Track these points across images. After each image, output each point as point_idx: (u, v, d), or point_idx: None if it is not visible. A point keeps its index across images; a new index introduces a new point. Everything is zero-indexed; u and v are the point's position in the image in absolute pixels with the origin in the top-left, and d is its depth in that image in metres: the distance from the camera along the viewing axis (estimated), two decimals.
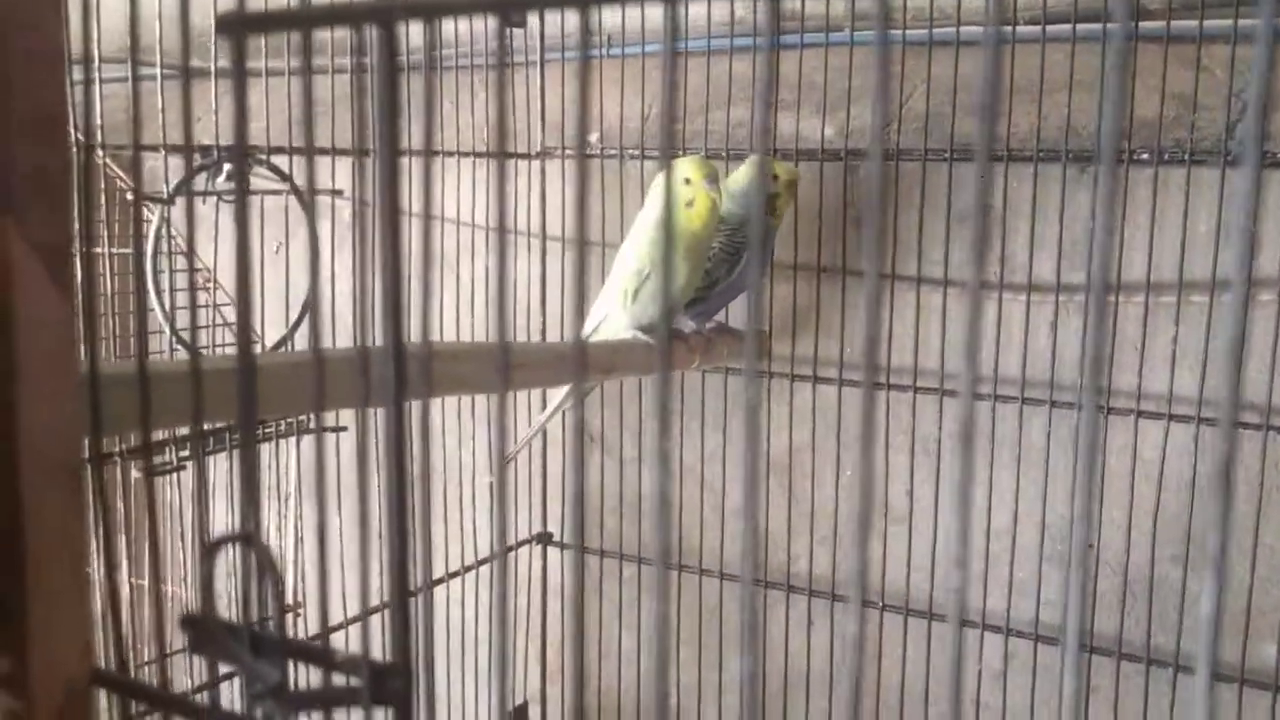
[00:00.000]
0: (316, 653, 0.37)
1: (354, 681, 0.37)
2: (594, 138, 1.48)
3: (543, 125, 1.48)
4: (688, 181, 1.12)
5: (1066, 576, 1.25)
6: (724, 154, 1.36)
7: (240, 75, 0.40)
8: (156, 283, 1.03)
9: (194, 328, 1.19)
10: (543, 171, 1.48)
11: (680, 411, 1.44)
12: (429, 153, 0.39)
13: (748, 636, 0.36)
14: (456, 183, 1.47)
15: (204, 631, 0.39)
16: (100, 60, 0.54)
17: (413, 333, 0.44)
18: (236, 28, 0.39)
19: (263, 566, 0.38)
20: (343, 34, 0.39)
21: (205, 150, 1.06)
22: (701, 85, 1.38)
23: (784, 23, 1.35)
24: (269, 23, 0.40)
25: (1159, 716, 1.21)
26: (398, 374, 0.41)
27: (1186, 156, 1.14)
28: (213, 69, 1.16)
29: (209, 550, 0.39)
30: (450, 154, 1.38)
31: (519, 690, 1.55)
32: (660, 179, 1.17)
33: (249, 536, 0.39)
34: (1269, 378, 1.12)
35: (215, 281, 1.31)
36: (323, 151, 1.17)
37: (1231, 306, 0.30)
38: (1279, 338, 1.11)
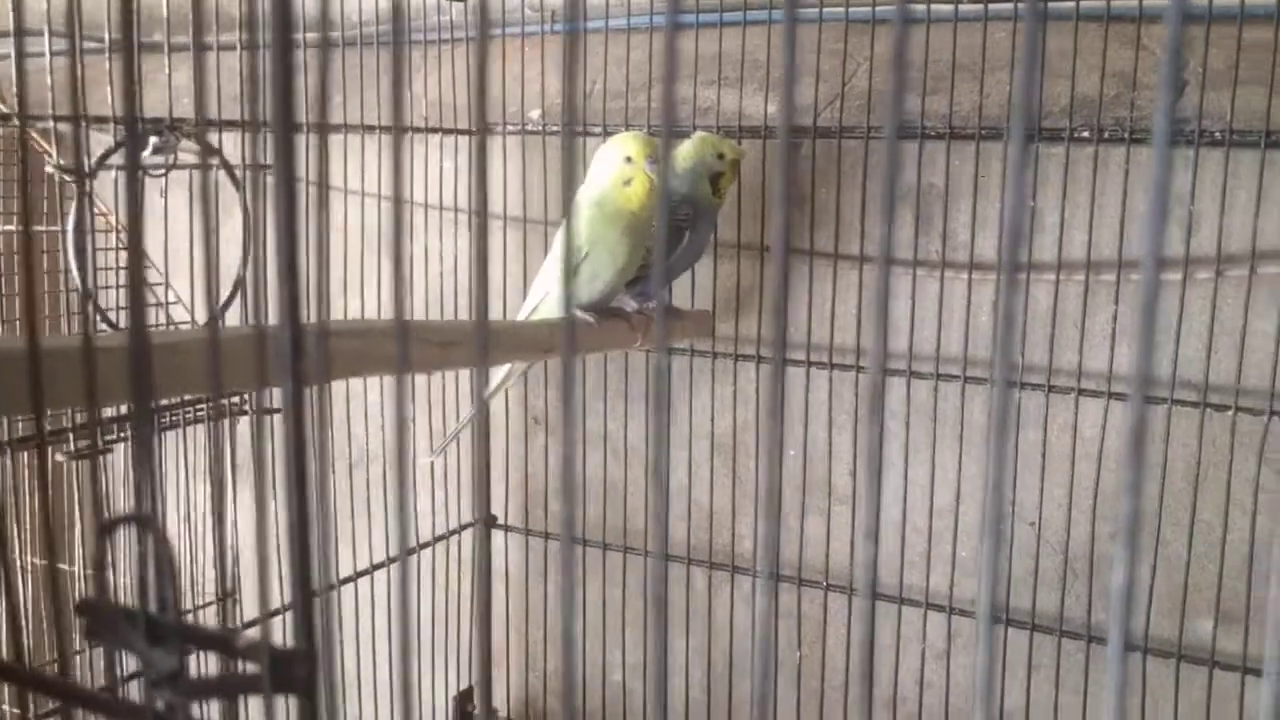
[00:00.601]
0: (216, 639, 0.36)
1: (255, 668, 0.35)
2: (535, 114, 1.46)
3: (483, 101, 1.45)
4: (629, 160, 1.10)
5: (1009, 555, 1.26)
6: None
7: (130, 46, 0.38)
8: (79, 260, 0.99)
9: (119, 307, 1.16)
10: (482, 147, 1.46)
11: (624, 393, 1.43)
12: (394, 130, 0.38)
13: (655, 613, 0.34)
14: (377, 159, 1.44)
15: (99, 618, 0.37)
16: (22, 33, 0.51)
17: (313, 311, 0.42)
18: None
19: (160, 551, 0.36)
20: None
21: (127, 123, 1.02)
22: (644, 61, 1.36)
23: None
24: None
25: (1099, 693, 1.22)
26: (294, 351, 0.40)
27: (1126, 135, 1.14)
28: (134, 43, 1.13)
29: (103, 531, 0.37)
30: (371, 129, 1.35)
31: (463, 675, 1.53)
32: (599, 153, 1.15)
33: (144, 518, 0.37)
34: (1205, 356, 1.12)
35: (145, 258, 1.27)
36: (235, 125, 1.14)
37: (1143, 281, 0.29)
38: (1215, 316, 1.12)
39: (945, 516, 1.28)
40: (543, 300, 1.17)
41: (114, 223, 1.26)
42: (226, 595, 1.34)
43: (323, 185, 0.39)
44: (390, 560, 1.39)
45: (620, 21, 1.39)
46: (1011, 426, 1.22)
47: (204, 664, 0.38)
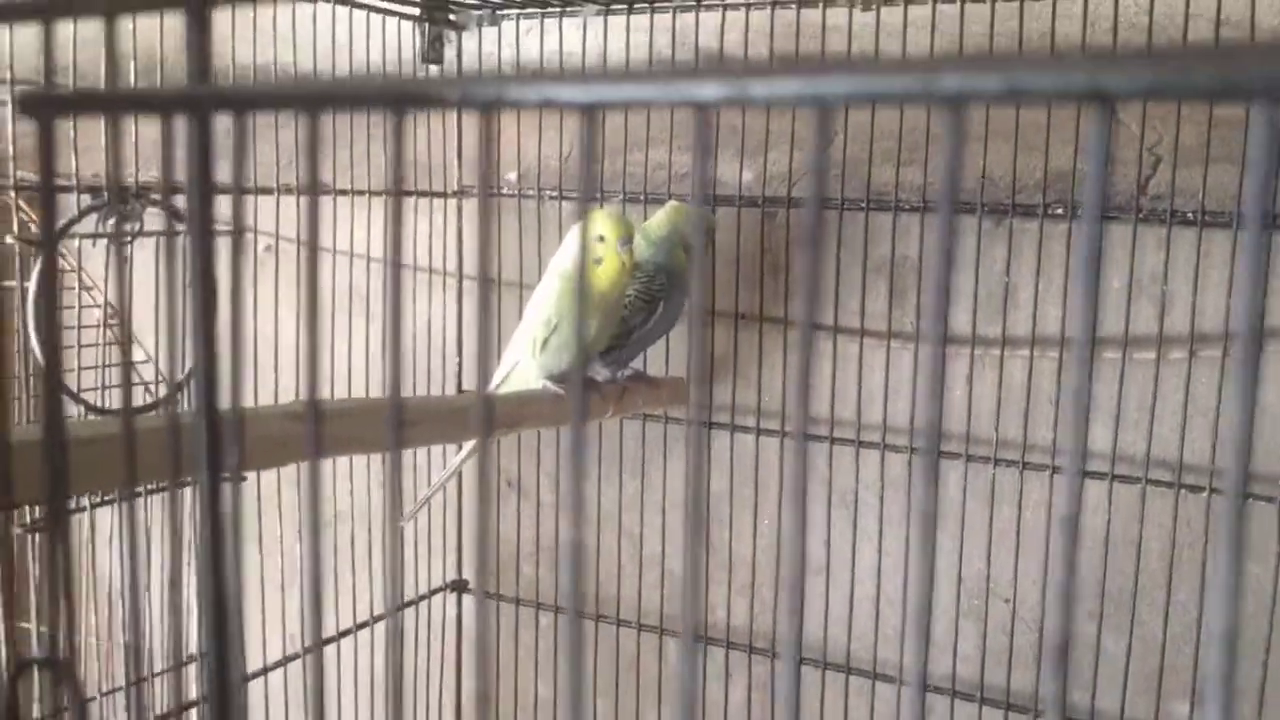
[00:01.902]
0: None
1: None
2: (512, 177, 1.45)
3: (459, 163, 1.45)
4: (601, 239, 1.09)
5: (984, 631, 1.24)
6: (642, 197, 1.34)
7: (47, 159, 0.37)
8: (38, 329, 0.98)
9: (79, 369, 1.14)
10: (460, 210, 1.45)
11: (599, 458, 1.41)
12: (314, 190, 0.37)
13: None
14: (367, 221, 1.43)
15: None
16: None
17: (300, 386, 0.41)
18: (43, 109, 0.36)
19: (73, 696, 0.35)
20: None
21: (95, 191, 1.01)
22: (620, 127, 1.36)
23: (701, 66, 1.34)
24: (77, 104, 0.36)
25: None
26: (211, 443, 0.38)
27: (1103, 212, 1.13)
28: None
29: (17, 671, 0.36)
30: (360, 192, 1.34)
31: None
32: (574, 227, 1.14)
33: (56, 661, 0.36)
34: (1180, 435, 1.11)
35: (113, 321, 1.26)
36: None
37: (1075, 358, 0.28)
38: (1189, 395, 1.11)
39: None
40: (513, 370, 1.16)
41: (77, 283, 1.25)
42: (193, 659, 1.31)
43: (313, 246, 0.38)
44: (358, 625, 1.37)
45: None
46: (934, 513, 1.21)
47: None
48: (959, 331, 1.22)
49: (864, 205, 1.24)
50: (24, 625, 1.33)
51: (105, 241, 1.17)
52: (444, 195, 1.44)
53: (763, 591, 1.35)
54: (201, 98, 0.32)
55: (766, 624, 1.35)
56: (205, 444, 0.36)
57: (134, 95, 0.35)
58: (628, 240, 1.09)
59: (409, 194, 1.44)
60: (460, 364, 1.47)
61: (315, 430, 0.42)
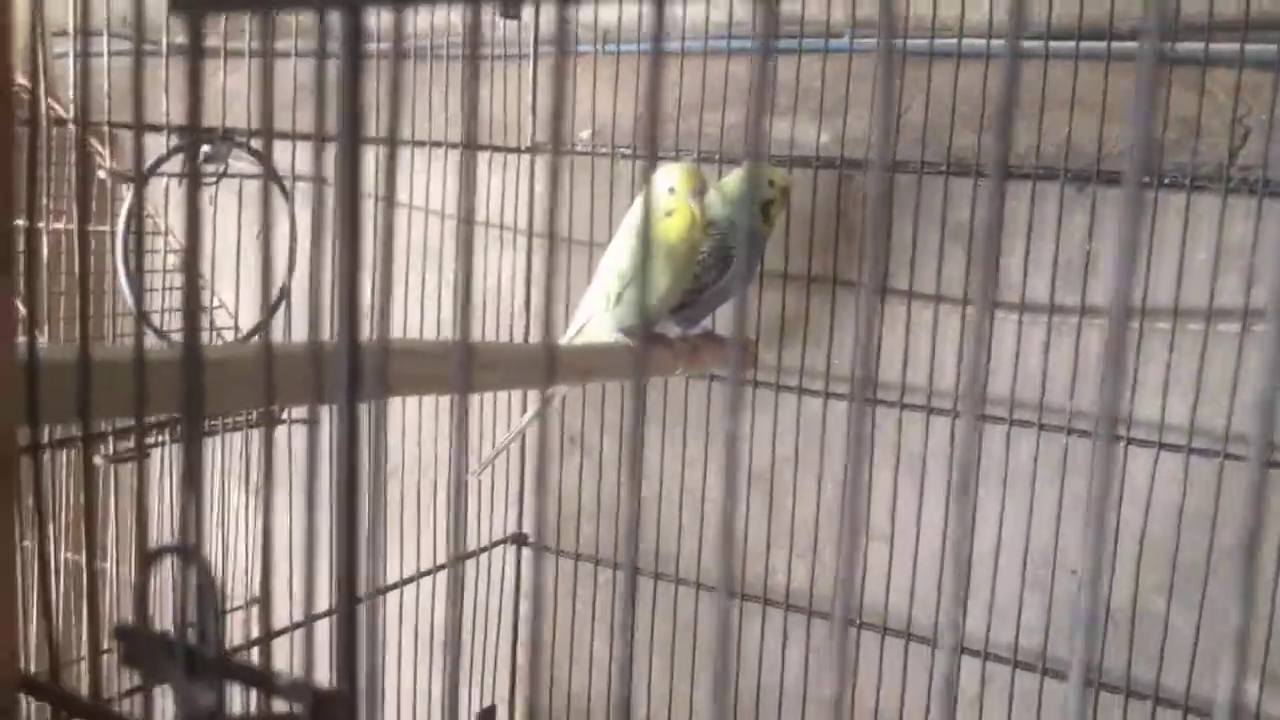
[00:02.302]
0: (256, 675, 0.35)
1: (295, 708, 0.34)
2: (585, 135, 1.45)
3: (534, 119, 1.45)
4: (672, 191, 1.09)
5: (1049, 602, 1.23)
6: (717, 157, 1.34)
7: (196, 56, 0.38)
8: (127, 264, 1.00)
9: (163, 310, 1.16)
10: (532, 166, 1.46)
11: (662, 417, 1.41)
12: (393, 141, 0.37)
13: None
14: (443, 174, 1.44)
15: (138, 646, 0.36)
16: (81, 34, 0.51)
17: (373, 329, 0.41)
18: (192, 7, 0.36)
19: (203, 582, 0.36)
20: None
21: (183, 130, 1.02)
22: (697, 86, 1.36)
23: (783, 27, 1.33)
24: (226, 4, 0.37)
25: None
26: (352, 371, 0.39)
27: (1187, 181, 1.12)
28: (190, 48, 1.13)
29: (146, 561, 0.36)
30: (436, 144, 1.35)
31: (488, 693, 1.52)
32: (662, 171, 1.14)
33: (188, 548, 0.36)
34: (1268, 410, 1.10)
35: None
36: (284, 136, 1.14)
37: (1111, 323, 0.28)
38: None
39: (985, 562, 1.25)
40: (586, 323, 1.16)
41: (163, 227, 1.27)
42: (258, 601, 1.33)
43: (390, 200, 0.38)
44: (420, 574, 1.38)
45: (674, 46, 1.38)
46: (1112, 489, 1.20)
47: (243, 701, 0.37)
48: (1037, 299, 1.20)
49: (944, 170, 1.22)
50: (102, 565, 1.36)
51: (184, 189, 1.19)
52: (516, 150, 1.44)
53: (824, 555, 1.35)
54: None
55: (827, 587, 1.34)
56: (347, 369, 0.36)
57: None
58: (699, 192, 1.09)
59: (482, 148, 1.45)
60: (528, 320, 1.48)
61: (384, 368, 0.42)
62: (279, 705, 0.35)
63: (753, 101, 0.31)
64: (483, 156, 1.45)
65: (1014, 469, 1.23)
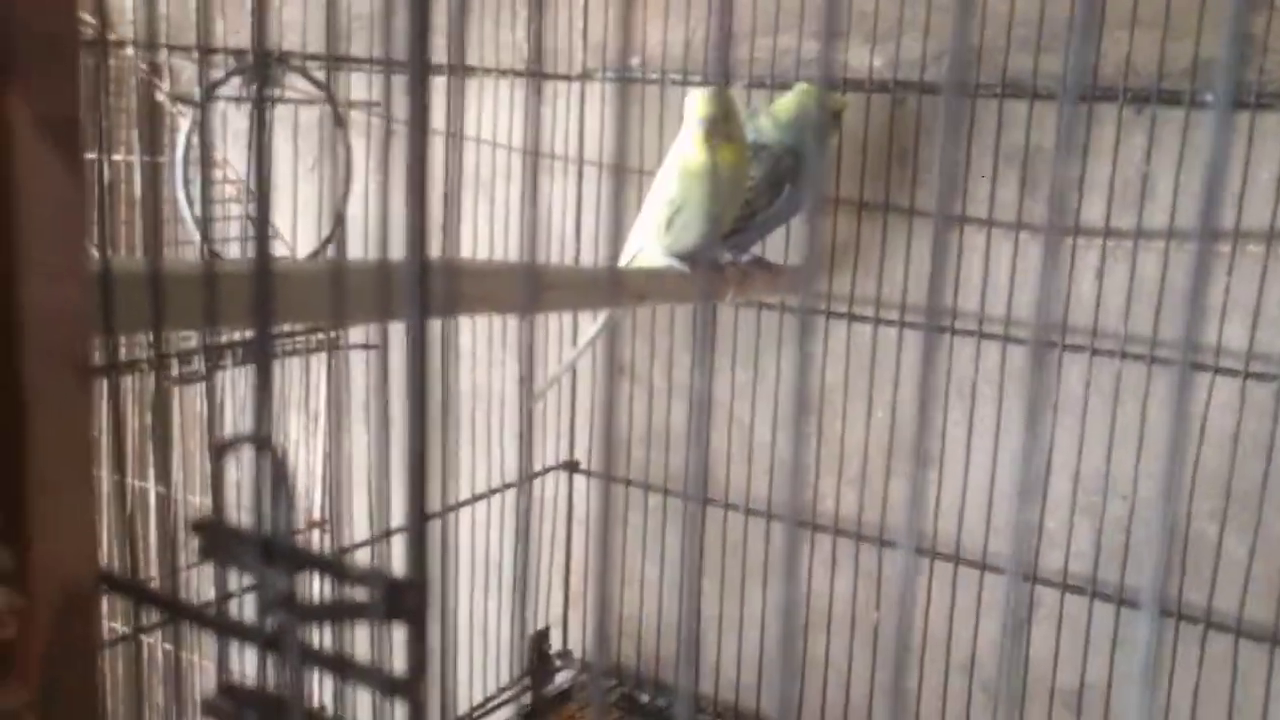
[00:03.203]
0: (330, 564, 0.36)
1: (369, 596, 0.36)
2: (635, 61, 1.44)
3: (584, 46, 1.45)
4: (703, 121, 1.09)
5: (1100, 526, 1.23)
6: (768, 81, 1.33)
7: None
8: (187, 190, 1.01)
9: (224, 238, 1.18)
10: (582, 94, 1.45)
11: (713, 346, 1.42)
12: (463, 68, 0.38)
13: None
14: (494, 103, 1.44)
15: (215, 537, 0.37)
16: None
17: (438, 249, 0.42)
18: None
19: (277, 473, 0.37)
20: None
21: (240, 54, 1.04)
22: (748, 11, 1.34)
23: None
24: None
25: (1183, 670, 1.19)
26: (420, 286, 0.40)
27: (1252, 99, 1.09)
28: None
29: (219, 452, 0.38)
30: (487, 71, 1.35)
31: (541, 615, 1.56)
32: (687, 101, 1.14)
33: (262, 439, 0.38)
34: None
35: (249, 190, 1.30)
36: (352, 60, 1.15)
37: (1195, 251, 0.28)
38: None
39: (1035, 487, 1.25)
40: (640, 251, 1.17)
41: (219, 156, 1.29)
42: (324, 521, 1.37)
43: (458, 129, 0.39)
44: (475, 497, 1.41)
45: None
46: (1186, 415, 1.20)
47: (316, 588, 0.38)
48: (1091, 223, 1.19)
49: (999, 93, 1.21)
50: (159, 488, 1.41)
51: (240, 117, 1.20)
52: (568, 78, 1.44)
53: (873, 482, 1.36)
54: None
55: (875, 515, 1.35)
56: (416, 285, 0.37)
57: None
58: (715, 121, 1.07)
59: (536, 75, 1.45)
60: (578, 247, 1.48)
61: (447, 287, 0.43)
62: (354, 595, 0.36)
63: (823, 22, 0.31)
64: (532, 83, 1.44)
65: (1065, 395, 1.23)
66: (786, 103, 1.21)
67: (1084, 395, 1.22)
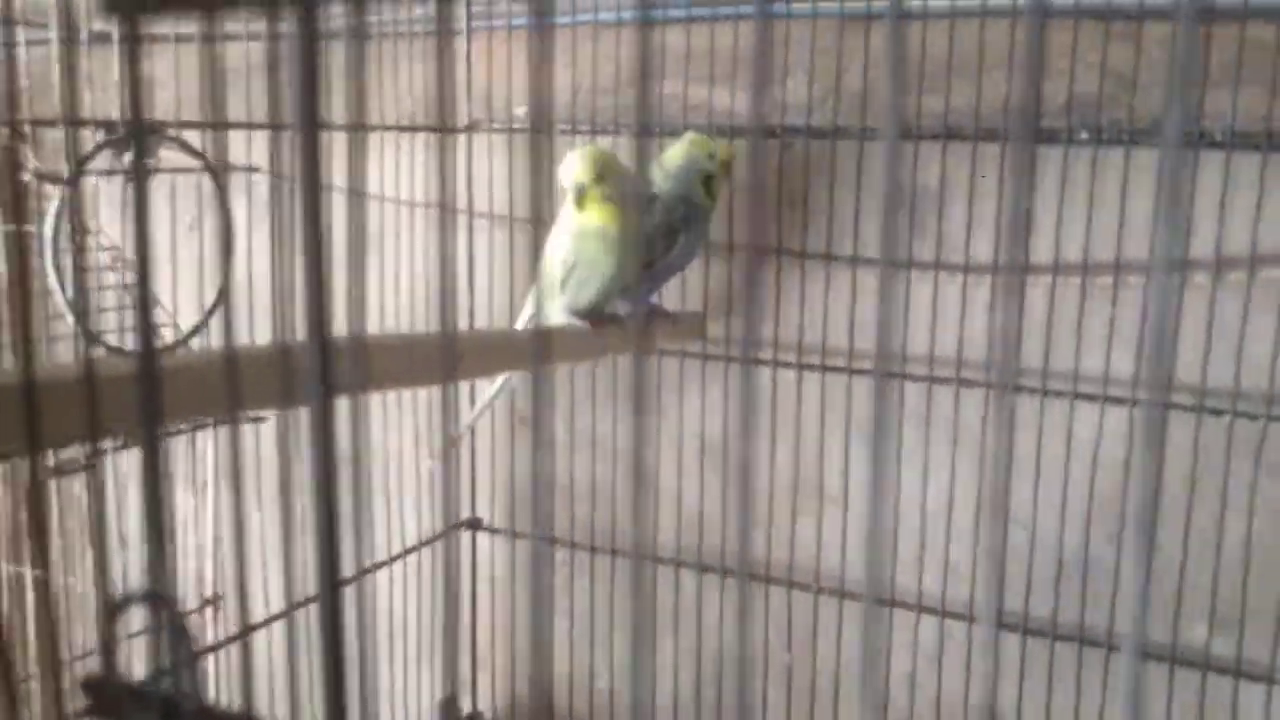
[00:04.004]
0: None
1: None
2: (520, 111, 1.43)
3: (469, 97, 1.43)
4: (579, 183, 1.09)
5: (1001, 558, 1.25)
6: (657, 129, 1.32)
7: (135, 55, 0.36)
8: (58, 267, 0.96)
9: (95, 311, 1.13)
10: (469, 146, 1.43)
11: (614, 394, 1.41)
12: (360, 127, 0.35)
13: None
14: (380, 159, 1.41)
15: (107, 698, 0.34)
16: None
17: (338, 323, 0.40)
18: (127, 4, 0.35)
19: (176, 627, 0.34)
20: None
21: (110, 125, 0.99)
22: (631, 57, 1.34)
23: None
24: (169, 4, 0.35)
25: (1090, 694, 1.21)
26: (323, 372, 0.37)
27: (1125, 137, 1.13)
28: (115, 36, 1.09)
29: (112, 611, 0.35)
30: (374, 128, 1.32)
31: (447, 680, 1.52)
32: (563, 162, 1.13)
33: (160, 596, 0.35)
34: (1201, 360, 1.12)
35: (124, 262, 1.24)
36: (233, 126, 1.11)
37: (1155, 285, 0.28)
38: (1212, 321, 1.11)
39: (938, 519, 1.27)
40: (538, 309, 1.15)
41: (91, 226, 1.23)
42: (218, 599, 1.31)
43: (359, 188, 0.37)
44: (376, 565, 1.37)
45: (609, 15, 1.36)
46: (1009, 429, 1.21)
47: None
48: (981, 259, 1.21)
49: (871, 136, 1.22)
50: (36, 572, 1.33)
51: (112, 186, 1.15)
52: (454, 130, 1.42)
53: (780, 523, 1.36)
54: None
55: (784, 555, 1.35)
56: (318, 366, 0.35)
57: None
58: (580, 188, 1.08)
59: (416, 130, 1.42)
60: (471, 301, 1.46)
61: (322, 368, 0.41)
62: None
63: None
64: (419, 138, 1.42)
65: (963, 428, 1.24)
66: (675, 153, 1.21)
67: (980, 428, 1.24)
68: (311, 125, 0.36)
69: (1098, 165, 1.15)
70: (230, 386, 0.45)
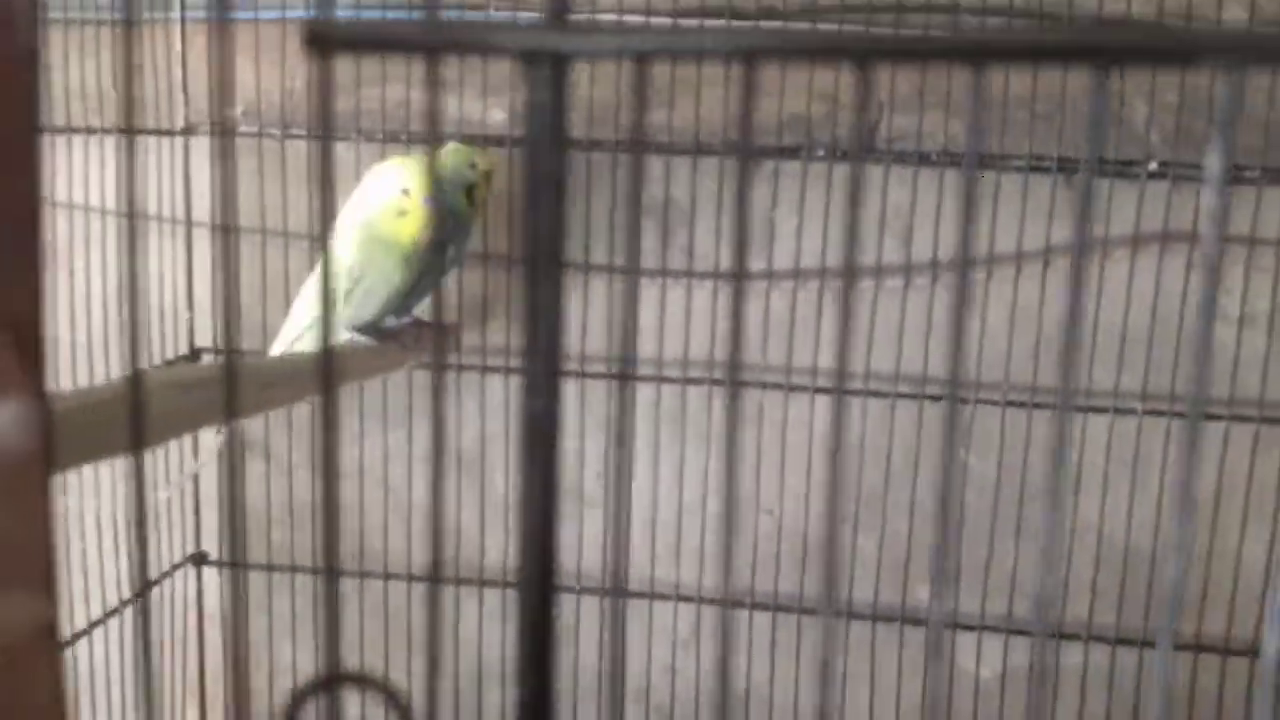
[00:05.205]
0: None
1: None
2: (236, 112, 1.33)
3: (186, 99, 1.31)
4: (406, 192, 1.05)
5: (754, 542, 1.35)
6: (380, 136, 1.29)
7: (327, 100, 0.32)
8: None
9: None
10: (186, 150, 1.31)
11: (358, 411, 1.35)
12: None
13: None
14: (68, 162, 1.26)
15: None
16: None
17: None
18: (327, 44, 0.31)
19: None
20: None
21: None
22: (350, 61, 1.30)
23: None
24: (367, 43, 0.32)
25: (833, 663, 1.34)
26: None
27: (836, 153, 1.25)
28: None
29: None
30: (75, 130, 1.18)
31: None
32: (367, 178, 1.09)
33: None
34: (923, 354, 1.27)
35: None
36: None
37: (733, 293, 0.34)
38: (931, 319, 1.26)
39: (694, 512, 1.34)
40: (311, 325, 1.08)
41: None
42: None
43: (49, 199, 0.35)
44: (92, 624, 1.23)
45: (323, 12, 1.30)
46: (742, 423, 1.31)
47: None
48: (725, 267, 1.29)
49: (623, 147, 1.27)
50: None
51: None
52: (170, 133, 1.30)
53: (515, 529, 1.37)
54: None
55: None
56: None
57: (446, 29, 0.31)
58: (432, 199, 1.06)
59: (108, 132, 1.29)
60: (192, 319, 1.34)
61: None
62: None
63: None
64: (110, 140, 1.28)
65: (710, 425, 1.33)
66: (438, 164, 1.18)
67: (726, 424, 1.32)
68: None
69: (834, 178, 1.26)
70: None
